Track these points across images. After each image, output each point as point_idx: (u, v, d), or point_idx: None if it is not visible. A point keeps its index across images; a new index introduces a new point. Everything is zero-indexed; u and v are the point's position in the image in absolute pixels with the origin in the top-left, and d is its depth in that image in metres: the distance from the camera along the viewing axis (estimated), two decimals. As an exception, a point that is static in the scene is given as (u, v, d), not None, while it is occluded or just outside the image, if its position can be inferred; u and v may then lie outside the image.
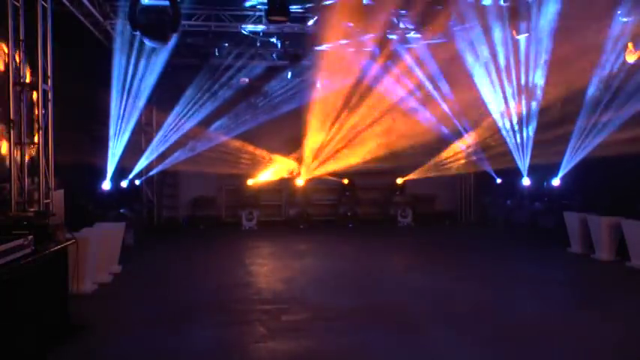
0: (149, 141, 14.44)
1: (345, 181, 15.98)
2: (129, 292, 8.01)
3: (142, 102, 12.62)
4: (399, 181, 16.08)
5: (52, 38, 7.36)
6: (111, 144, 11.92)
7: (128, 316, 6.73)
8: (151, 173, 14.83)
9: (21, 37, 7.00)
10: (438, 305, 7.22)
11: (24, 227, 5.37)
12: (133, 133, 12.60)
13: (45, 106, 7.21)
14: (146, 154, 14.12)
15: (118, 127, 12.02)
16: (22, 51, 7.04)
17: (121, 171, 12.87)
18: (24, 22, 7.03)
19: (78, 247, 6.30)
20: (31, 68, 7.40)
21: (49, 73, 7.35)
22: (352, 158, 15.22)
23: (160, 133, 14.07)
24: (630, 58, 10.33)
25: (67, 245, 6.04)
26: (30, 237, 5.08)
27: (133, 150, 13.20)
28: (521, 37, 11.55)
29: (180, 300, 7.50)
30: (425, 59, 13.04)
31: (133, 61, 11.57)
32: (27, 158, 7.17)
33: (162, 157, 14.54)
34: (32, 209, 7.00)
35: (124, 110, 12.07)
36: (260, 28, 11.78)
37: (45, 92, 7.24)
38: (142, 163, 14.02)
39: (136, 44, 11.23)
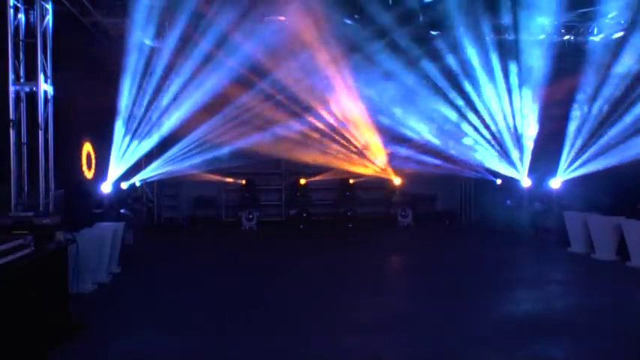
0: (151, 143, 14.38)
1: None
2: (128, 292, 8.01)
3: (144, 102, 12.59)
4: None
5: (51, 38, 7.36)
6: (113, 144, 11.88)
7: (128, 316, 6.73)
8: (152, 175, 14.80)
9: (21, 37, 7.01)
10: (438, 305, 7.22)
11: (24, 227, 5.38)
12: (135, 133, 12.58)
13: (45, 106, 7.20)
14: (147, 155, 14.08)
15: (120, 128, 11.99)
16: (22, 51, 7.04)
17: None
18: (24, 22, 7.03)
19: (78, 247, 6.30)
20: (31, 68, 7.39)
21: (49, 73, 7.35)
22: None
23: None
24: None
25: (67, 245, 6.04)
26: (30, 237, 5.09)
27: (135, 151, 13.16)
28: None
29: (180, 300, 7.51)
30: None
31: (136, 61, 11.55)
32: (26, 158, 7.16)
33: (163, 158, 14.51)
34: (32, 209, 6.98)
35: (127, 110, 12.04)
36: None
37: (45, 92, 7.23)
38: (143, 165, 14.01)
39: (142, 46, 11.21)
